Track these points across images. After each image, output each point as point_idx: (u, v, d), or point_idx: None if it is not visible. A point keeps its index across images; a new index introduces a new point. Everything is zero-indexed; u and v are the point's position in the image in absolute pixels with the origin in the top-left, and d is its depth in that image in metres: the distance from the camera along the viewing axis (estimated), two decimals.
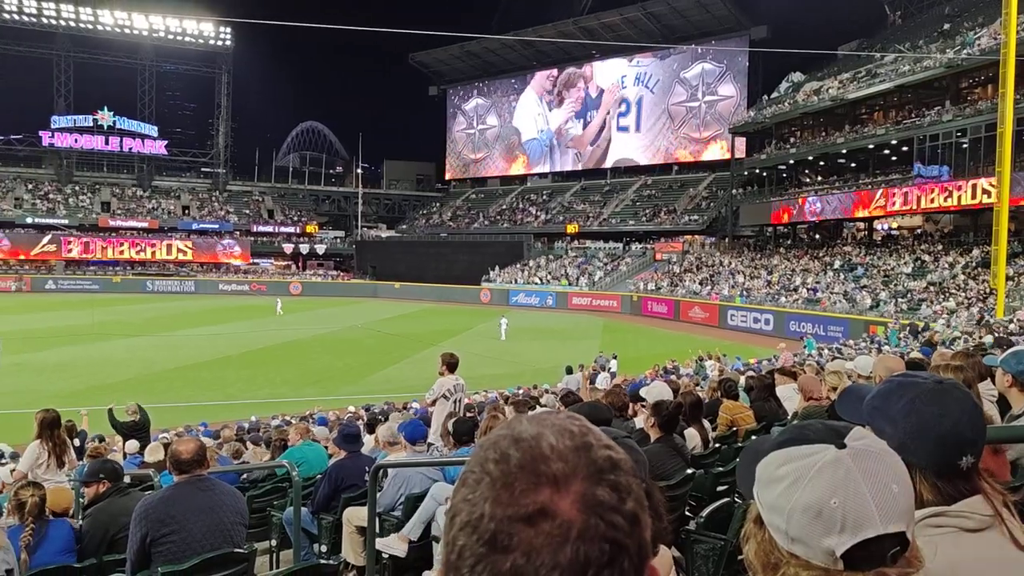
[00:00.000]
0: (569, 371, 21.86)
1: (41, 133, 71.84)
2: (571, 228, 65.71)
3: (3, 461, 13.39)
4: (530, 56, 75.32)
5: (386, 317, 47.94)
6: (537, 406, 10.58)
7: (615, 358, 27.39)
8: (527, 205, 73.86)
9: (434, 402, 9.09)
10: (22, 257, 65.00)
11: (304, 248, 74.39)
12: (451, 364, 9.08)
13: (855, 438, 1.05)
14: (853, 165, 46.73)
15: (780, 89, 54.20)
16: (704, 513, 4.07)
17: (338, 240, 78.69)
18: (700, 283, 49.07)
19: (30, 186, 71.76)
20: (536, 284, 58.81)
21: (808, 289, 41.09)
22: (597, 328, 43.05)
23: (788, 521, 1.01)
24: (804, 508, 0.99)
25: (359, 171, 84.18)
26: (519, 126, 79.66)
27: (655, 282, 52.59)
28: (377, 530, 5.29)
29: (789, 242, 51.76)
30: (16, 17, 69.13)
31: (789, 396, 7.74)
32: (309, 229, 77.16)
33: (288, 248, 74.10)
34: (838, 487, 0.98)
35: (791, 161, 49.24)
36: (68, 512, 5.56)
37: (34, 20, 70.01)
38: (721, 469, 5.26)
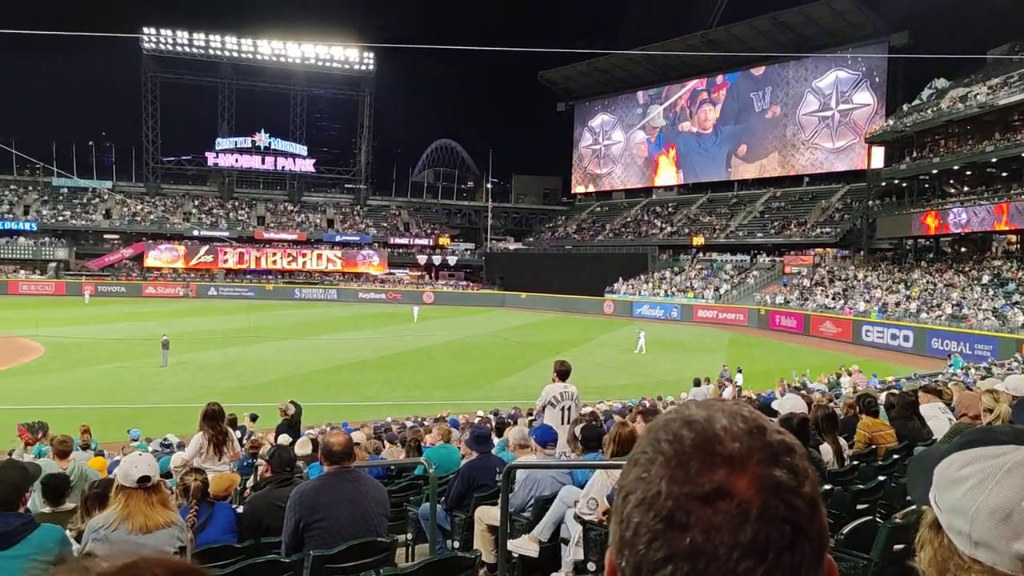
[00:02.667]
0: (697, 383, 21.31)
1: (207, 154, 77.76)
2: (697, 240, 64.16)
3: (170, 450, 14.53)
4: (657, 70, 74.35)
5: (513, 326, 48.49)
6: None
7: (740, 372, 26.49)
8: (652, 217, 72.80)
9: (543, 408, 9.05)
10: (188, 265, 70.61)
11: (437, 259, 76.55)
12: (562, 372, 8.94)
13: None
14: (1004, 175, 43.10)
15: (922, 96, 50.84)
16: (845, 530, 3.85)
17: (468, 252, 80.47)
18: (832, 297, 46.65)
19: (196, 202, 77.82)
20: (660, 296, 57.79)
21: (953, 305, 38.18)
22: (722, 341, 41.77)
23: (972, 524, 0.92)
24: (991, 510, 0.91)
25: (489, 186, 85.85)
26: (644, 140, 78.74)
27: (784, 295, 50.46)
28: (508, 529, 5.35)
29: (931, 255, 48.34)
30: (187, 49, 75.35)
31: (934, 415, 7.23)
32: (442, 241, 79.36)
33: (422, 259, 76.51)
34: None
35: (934, 171, 46.02)
36: (228, 497, 5.97)
37: (202, 52, 76.02)
38: (861, 487, 4.96)
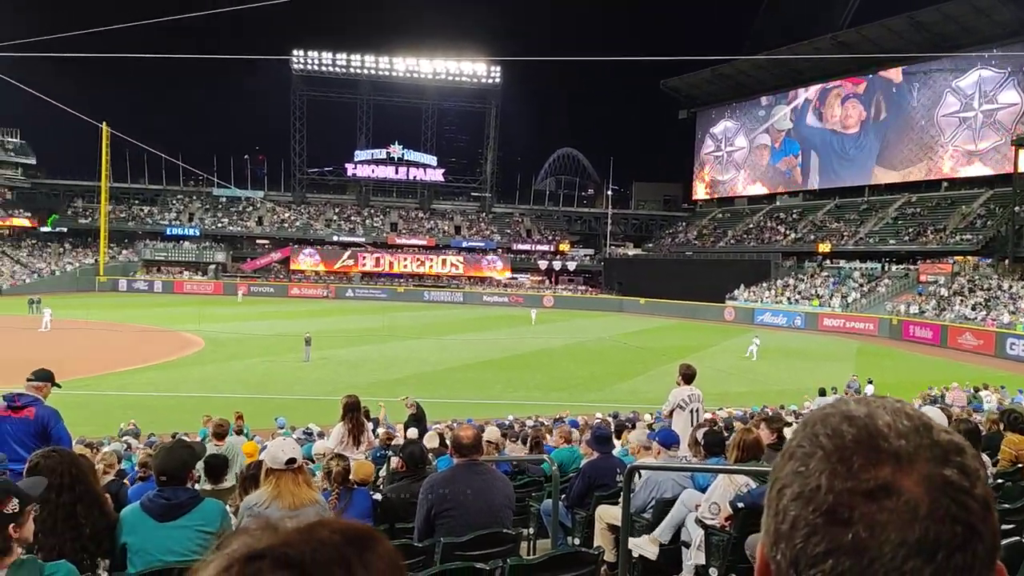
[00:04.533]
0: (822, 393, 20.28)
1: (346, 165, 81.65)
2: (823, 247, 61.00)
3: (312, 438, 15.33)
4: (783, 75, 71.31)
5: (631, 331, 47.87)
6: (786, 427, 9.94)
7: (871, 383, 24.97)
8: (775, 224, 69.91)
9: (671, 413, 8.89)
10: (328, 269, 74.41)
11: (557, 264, 76.82)
12: (687, 375, 8.80)
13: None
14: None
15: None
16: None
17: (588, 257, 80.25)
18: (972, 308, 43.14)
19: (336, 210, 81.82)
20: (783, 304, 55.38)
21: None
22: (850, 351, 39.50)
23: None
24: None
25: (609, 193, 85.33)
26: (767, 137, 75.71)
27: (918, 305, 47.14)
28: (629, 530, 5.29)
29: None
30: (331, 69, 79.45)
31: None
32: (562, 247, 79.58)
33: (543, 264, 76.99)
34: None
35: None
36: (367, 483, 6.24)
37: (343, 71, 79.90)
38: (1007, 506, 4.57)
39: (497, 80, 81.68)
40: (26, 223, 71.97)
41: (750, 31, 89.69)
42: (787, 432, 6.79)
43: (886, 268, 55.51)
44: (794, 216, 69.68)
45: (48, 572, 2.83)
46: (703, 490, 5.52)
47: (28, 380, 6.52)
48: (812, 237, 63.80)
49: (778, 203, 74.50)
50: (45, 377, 6.57)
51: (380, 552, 0.68)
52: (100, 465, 7.16)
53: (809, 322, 51.22)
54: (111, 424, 18.58)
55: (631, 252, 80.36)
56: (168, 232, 74.21)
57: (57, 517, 3.54)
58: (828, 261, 60.44)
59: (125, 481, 8.61)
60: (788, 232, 66.88)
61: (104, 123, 66.21)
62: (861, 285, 54.05)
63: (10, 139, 73.73)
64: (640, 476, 5.92)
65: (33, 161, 75.44)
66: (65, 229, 73.82)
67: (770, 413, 15.05)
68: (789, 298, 55.80)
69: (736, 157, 79.17)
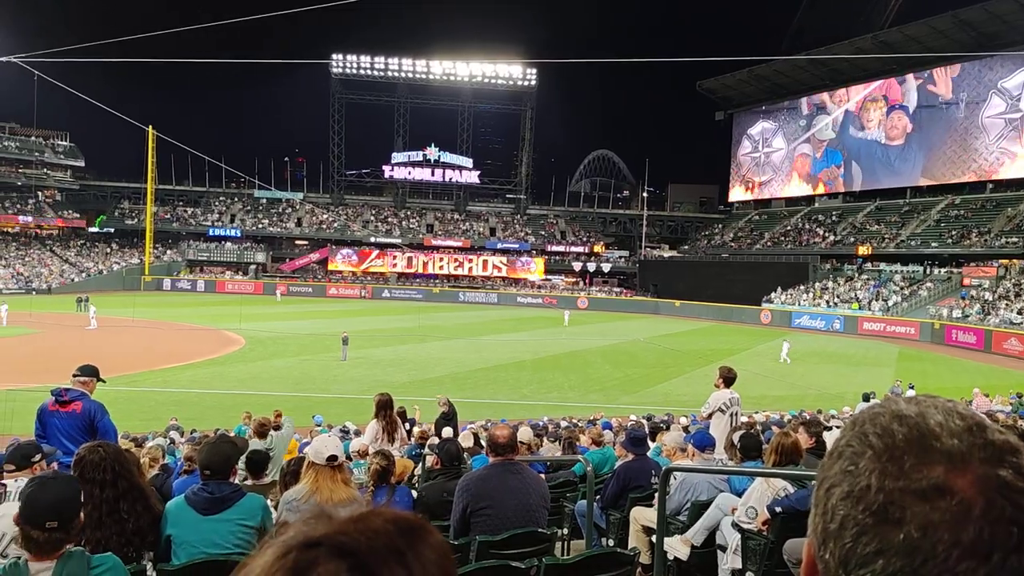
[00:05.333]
0: (866, 398, 19.84)
1: (383, 167, 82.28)
2: (862, 250, 59.79)
3: (348, 436, 15.46)
4: (823, 75, 70.06)
5: (665, 333, 47.46)
6: (825, 432, 9.76)
7: (912, 388, 24.39)
8: (813, 226, 68.69)
9: (710, 415, 8.79)
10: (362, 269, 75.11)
11: (591, 266, 76.51)
12: (728, 378, 8.69)
13: None
14: None
15: None
16: None
17: (622, 259, 79.80)
18: (1018, 312, 41.91)
19: (374, 211, 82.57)
20: (821, 307, 54.40)
21: None
22: (891, 356, 38.66)
23: None
24: None
25: (644, 195, 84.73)
26: (808, 147, 74.45)
27: (962, 309, 45.93)
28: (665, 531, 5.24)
29: None
30: (369, 72, 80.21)
31: None
32: (596, 249, 79.23)
33: (577, 266, 76.74)
34: None
35: None
36: (403, 480, 6.28)
37: (381, 74, 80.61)
38: None
39: (532, 82, 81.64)
40: (75, 223, 74.02)
41: (788, 31, 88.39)
42: (826, 436, 6.67)
43: (928, 271, 54.24)
44: (833, 218, 68.44)
45: (95, 564, 2.89)
46: (739, 494, 5.44)
47: (74, 375, 6.69)
48: (852, 239, 62.59)
49: (817, 205, 73.24)
50: (91, 372, 6.74)
51: (431, 543, 0.69)
52: (145, 459, 7.31)
53: (848, 326, 50.27)
54: (155, 419, 18.99)
55: (666, 254, 79.73)
56: (210, 233, 75.60)
57: (102, 512, 3.61)
58: (868, 264, 59.24)
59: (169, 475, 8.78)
60: (827, 234, 65.70)
61: (150, 126, 67.69)
62: (902, 288, 52.88)
63: (60, 142, 75.90)
64: (675, 478, 5.86)
65: (82, 163, 77.53)
66: (112, 229, 75.73)
67: (807, 417, 14.78)
68: (828, 301, 54.82)
69: (774, 159, 77.99)
